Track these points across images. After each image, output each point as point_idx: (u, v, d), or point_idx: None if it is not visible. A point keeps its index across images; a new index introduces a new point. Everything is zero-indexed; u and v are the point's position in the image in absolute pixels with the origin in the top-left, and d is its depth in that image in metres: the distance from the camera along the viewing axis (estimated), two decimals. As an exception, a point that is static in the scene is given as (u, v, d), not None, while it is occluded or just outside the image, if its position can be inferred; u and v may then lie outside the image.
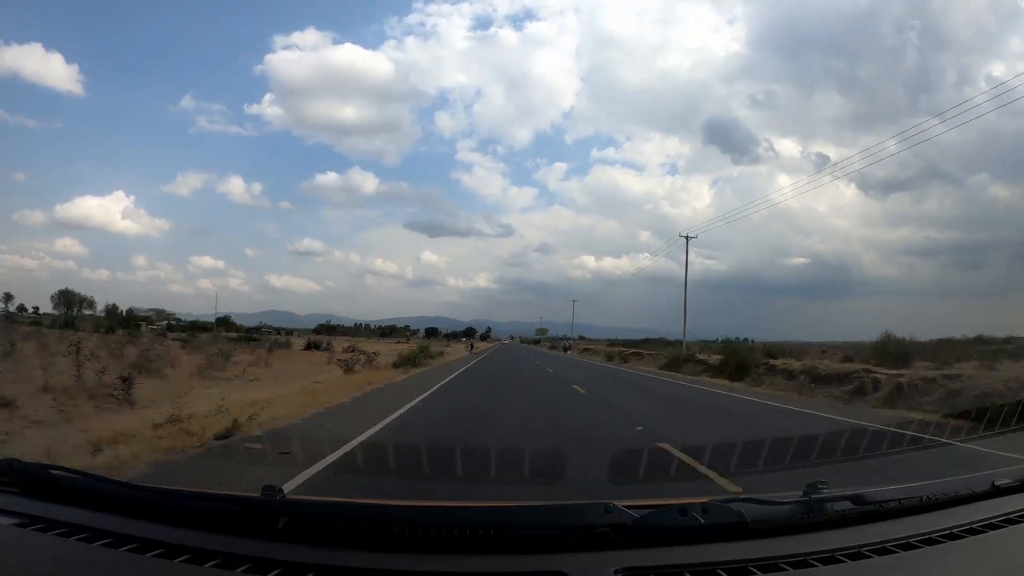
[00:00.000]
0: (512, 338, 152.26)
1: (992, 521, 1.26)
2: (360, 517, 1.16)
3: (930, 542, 1.17)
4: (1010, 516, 1.29)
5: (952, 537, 1.19)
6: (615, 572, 1.00)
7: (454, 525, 1.11)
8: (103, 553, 1.07)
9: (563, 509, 1.22)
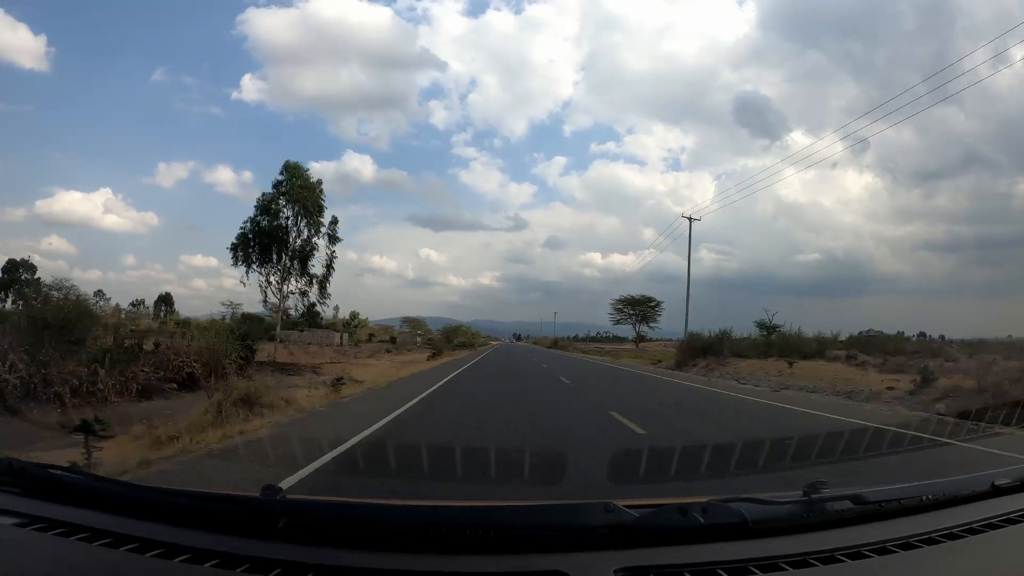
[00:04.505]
0: (516, 338, 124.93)
1: (992, 521, 1.26)
2: (360, 517, 1.16)
3: (930, 542, 1.17)
4: (1010, 516, 1.29)
5: (952, 537, 1.19)
6: (615, 572, 1.00)
7: (454, 525, 1.11)
8: (103, 553, 1.07)
9: (563, 509, 1.22)
